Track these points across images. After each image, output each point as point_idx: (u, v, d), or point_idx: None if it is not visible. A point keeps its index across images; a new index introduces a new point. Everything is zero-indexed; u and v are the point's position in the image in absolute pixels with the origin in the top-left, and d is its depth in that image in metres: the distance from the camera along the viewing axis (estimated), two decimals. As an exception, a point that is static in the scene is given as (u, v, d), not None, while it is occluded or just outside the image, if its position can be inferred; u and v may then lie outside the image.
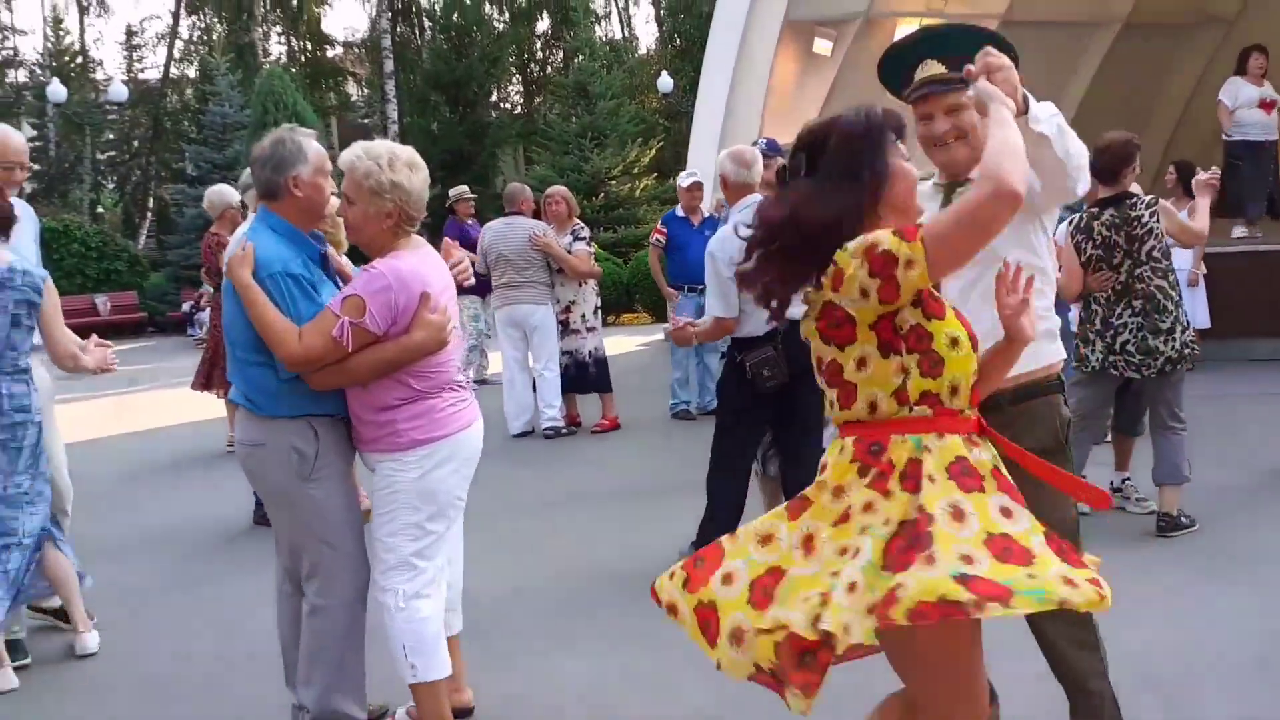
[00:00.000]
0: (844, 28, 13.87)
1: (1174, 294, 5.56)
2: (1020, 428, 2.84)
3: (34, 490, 4.30)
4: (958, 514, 2.25)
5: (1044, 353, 2.99)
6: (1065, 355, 3.13)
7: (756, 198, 5.02)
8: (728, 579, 2.39)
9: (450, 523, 3.57)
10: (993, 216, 2.30)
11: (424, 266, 3.42)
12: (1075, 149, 2.79)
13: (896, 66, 3.02)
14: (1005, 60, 2.60)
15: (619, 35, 40.48)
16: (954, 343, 2.41)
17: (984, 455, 2.43)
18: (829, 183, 2.44)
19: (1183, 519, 5.57)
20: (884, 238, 2.32)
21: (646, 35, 49.00)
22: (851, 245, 2.34)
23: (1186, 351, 5.49)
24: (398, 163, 3.37)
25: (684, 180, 9.50)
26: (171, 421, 10.67)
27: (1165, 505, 5.59)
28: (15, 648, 4.46)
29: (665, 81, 28.99)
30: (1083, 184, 2.89)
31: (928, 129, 2.97)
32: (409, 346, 3.31)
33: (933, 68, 2.91)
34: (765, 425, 5.21)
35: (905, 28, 14.04)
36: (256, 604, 4.90)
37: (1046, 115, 2.74)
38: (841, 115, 2.55)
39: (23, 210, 4.66)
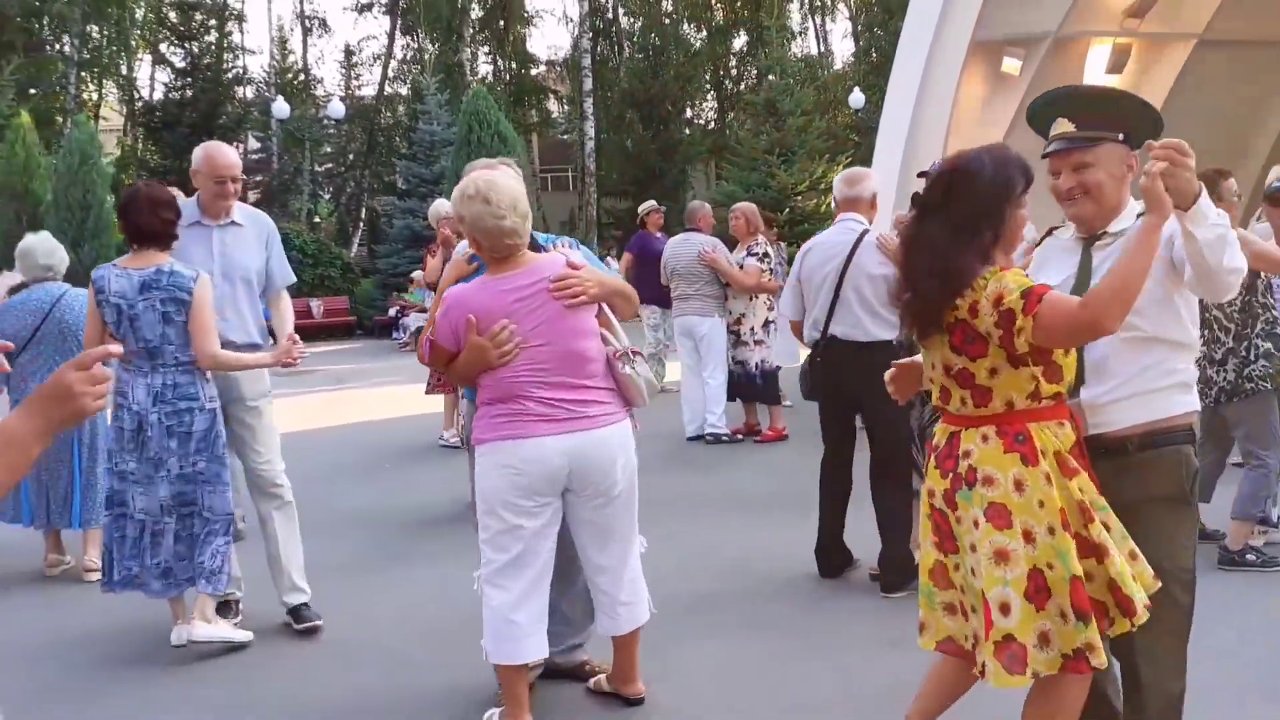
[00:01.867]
0: (1033, 47, 13.76)
1: (1235, 322, 5.39)
2: (1146, 475, 3.00)
3: (210, 471, 4.76)
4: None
5: (1175, 403, 3.04)
6: (1198, 408, 3.16)
7: (852, 216, 5.54)
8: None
9: (508, 525, 3.76)
10: (1083, 338, 2.84)
11: (482, 294, 3.77)
12: (1231, 262, 2.77)
13: (1038, 121, 3.18)
14: (1187, 158, 2.67)
15: (815, 51, 40.60)
16: (1065, 350, 2.89)
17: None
18: (964, 229, 2.90)
19: (1249, 556, 5.43)
20: (1012, 298, 2.81)
21: (843, 50, 48.91)
22: (989, 287, 2.84)
23: (1248, 385, 5.34)
24: (464, 196, 3.78)
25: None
26: (374, 417, 11.56)
27: (1231, 539, 5.49)
28: (227, 608, 5.12)
29: (857, 97, 29.05)
30: (1229, 293, 2.90)
31: (1055, 184, 3.12)
32: (461, 362, 3.80)
33: (1063, 126, 3.05)
34: (836, 436, 5.62)
35: (1098, 47, 13.89)
36: (441, 585, 5.47)
37: (1211, 221, 2.73)
38: (978, 159, 2.97)
39: (248, 217, 5.25)
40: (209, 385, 4.82)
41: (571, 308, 3.76)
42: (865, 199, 5.54)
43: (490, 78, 39.34)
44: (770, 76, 28.97)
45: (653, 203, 12.62)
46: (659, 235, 12.15)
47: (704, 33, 38.93)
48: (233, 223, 5.16)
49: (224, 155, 5.16)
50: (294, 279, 5.50)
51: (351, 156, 38.46)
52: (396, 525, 6.94)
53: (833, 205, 5.80)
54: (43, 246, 6.18)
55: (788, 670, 4.36)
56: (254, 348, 5.10)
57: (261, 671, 4.66)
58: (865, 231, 5.44)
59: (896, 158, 13.74)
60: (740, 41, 39.18)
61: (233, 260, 5.10)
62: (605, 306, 3.91)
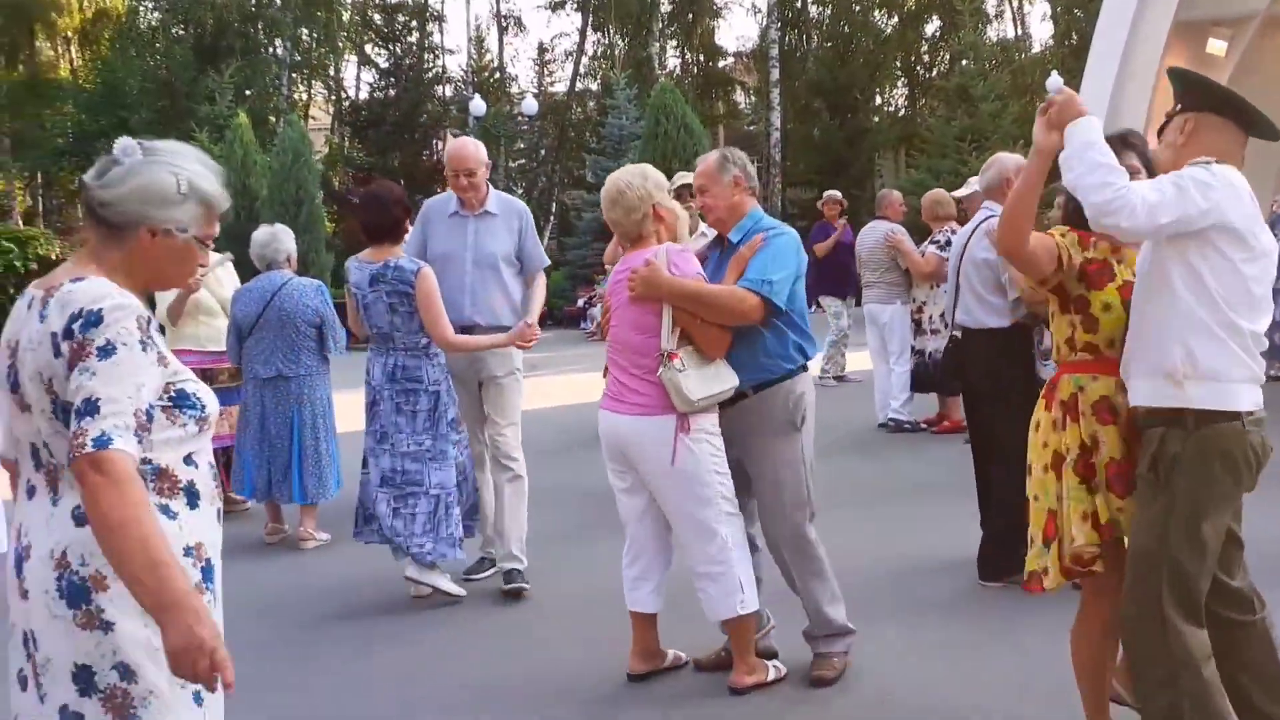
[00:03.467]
0: (1241, 27, 13.16)
1: None
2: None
3: (435, 449, 5.16)
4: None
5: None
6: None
7: (989, 204, 5.50)
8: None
9: (612, 485, 4.26)
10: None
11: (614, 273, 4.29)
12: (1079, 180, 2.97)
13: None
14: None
15: (1011, 35, 39.48)
16: (1106, 307, 3.24)
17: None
18: None
19: None
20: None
21: (1042, 33, 47.35)
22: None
23: None
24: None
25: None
26: (565, 402, 11.95)
27: None
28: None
29: (1054, 81, 28.06)
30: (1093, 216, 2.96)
31: None
32: None
33: None
34: (973, 427, 5.64)
35: (1313, 24, 13.18)
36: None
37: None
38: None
39: (502, 206, 5.61)
40: (436, 368, 5.22)
41: (632, 300, 4.02)
42: (997, 185, 5.47)
43: (678, 71, 39.72)
44: (963, 61, 28.41)
45: (832, 193, 12.65)
46: (839, 223, 12.18)
47: (894, 19, 38.36)
48: (486, 212, 5.59)
49: (460, 150, 5.60)
50: (546, 262, 5.77)
51: (543, 152, 39.46)
52: (594, 501, 7.17)
53: None
54: (265, 235, 6.67)
55: (970, 653, 4.41)
56: (502, 329, 5.44)
57: (463, 630, 4.98)
58: (986, 218, 5.39)
59: (1093, 143, 13.33)
60: (933, 26, 38.47)
61: (483, 247, 5.52)
62: (669, 309, 3.99)
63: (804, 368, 4.18)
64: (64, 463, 2.10)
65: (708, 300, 3.96)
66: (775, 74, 33.53)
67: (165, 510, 2.16)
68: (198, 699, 2.18)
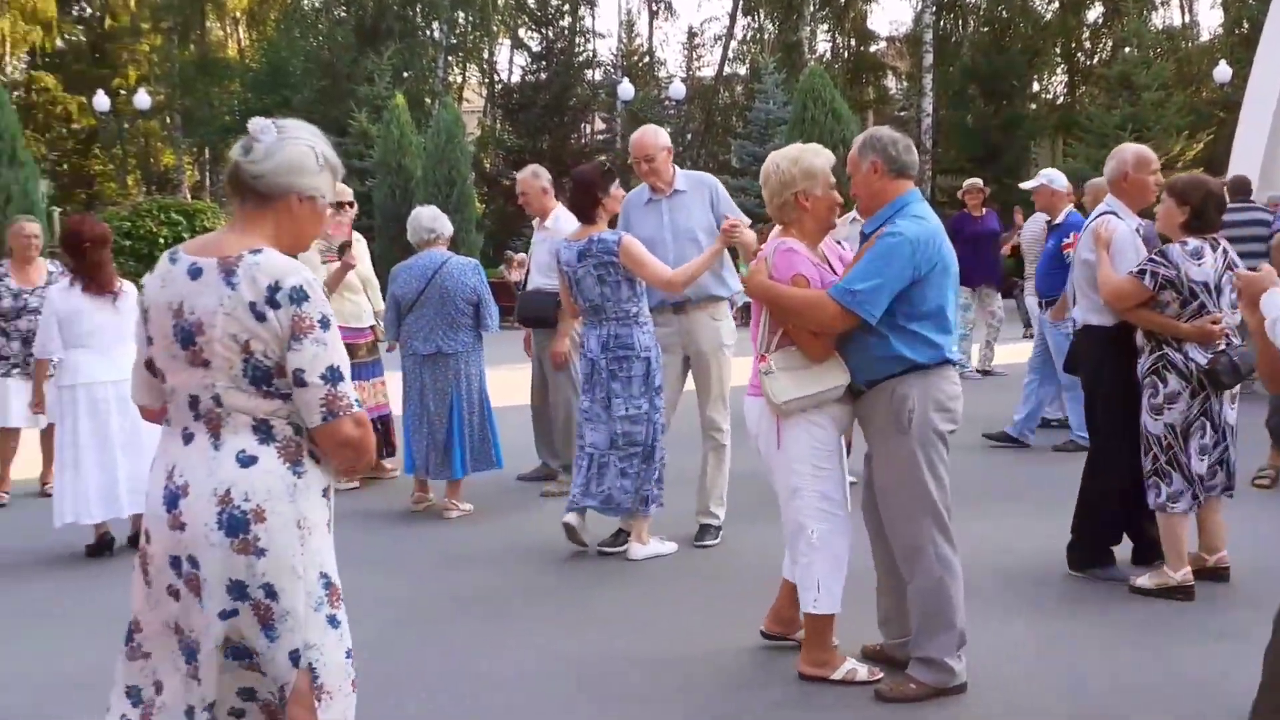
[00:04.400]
0: None
1: None
2: None
3: (650, 411, 5.61)
4: None
5: None
6: None
7: (1107, 200, 5.31)
8: None
9: None
10: None
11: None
12: None
13: None
14: None
15: (1178, 22, 37.94)
16: None
17: None
18: None
19: None
20: None
21: (1211, 20, 45.37)
22: None
23: None
24: None
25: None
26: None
27: None
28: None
29: (1222, 70, 26.96)
30: None
31: None
32: None
33: None
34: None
35: None
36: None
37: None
38: None
39: (691, 182, 5.95)
40: (645, 335, 5.62)
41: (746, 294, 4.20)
42: (1116, 178, 5.27)
43: (828, 55, 39.28)
44: (1126, 49, 27.44)
45: (973, 181, 12.39)
46: (984, 213, 11.95)
47: (1055, 4, 37.23)
48: (676, 191, 5.92)
49: (639, 138, 5.99)
50: (745, 222, 5.83)
51: (689, 136, 39.50)
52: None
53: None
54: (428, 214, 6.89)
55: (1105, 654, 4.34)
56: (714, 300, 5.88)
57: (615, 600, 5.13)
58: (1101, 215, 5.23)
59: (1262, 135, 12.83)
60: (1095, 12, 37.21)
61: (678, 225, 5.88)
62: (765, 309, 4.05)
63: (918, 368, 3.86)
64: (230, 413, 2.46)
65: (785, 305, 3.92)
66: (929, 59, 32.88)
67: (313, 455, 2.54)
68: (333, 622, 2.53)
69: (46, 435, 7.53)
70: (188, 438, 2.50)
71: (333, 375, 2.43)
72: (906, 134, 4.19)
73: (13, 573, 5.80)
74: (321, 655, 2.49)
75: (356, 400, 2.48)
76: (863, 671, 4.04)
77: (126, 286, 6.06)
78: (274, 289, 2.40)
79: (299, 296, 2.41)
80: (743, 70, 40.16)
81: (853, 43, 41.12)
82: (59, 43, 40.01)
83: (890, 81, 41.48)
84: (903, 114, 37.12)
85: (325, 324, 2.43)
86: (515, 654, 4.48)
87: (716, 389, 5.94)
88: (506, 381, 9.21)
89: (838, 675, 4.02)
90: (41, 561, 6.02)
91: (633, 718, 3.88)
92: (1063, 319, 7.66)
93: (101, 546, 6.03)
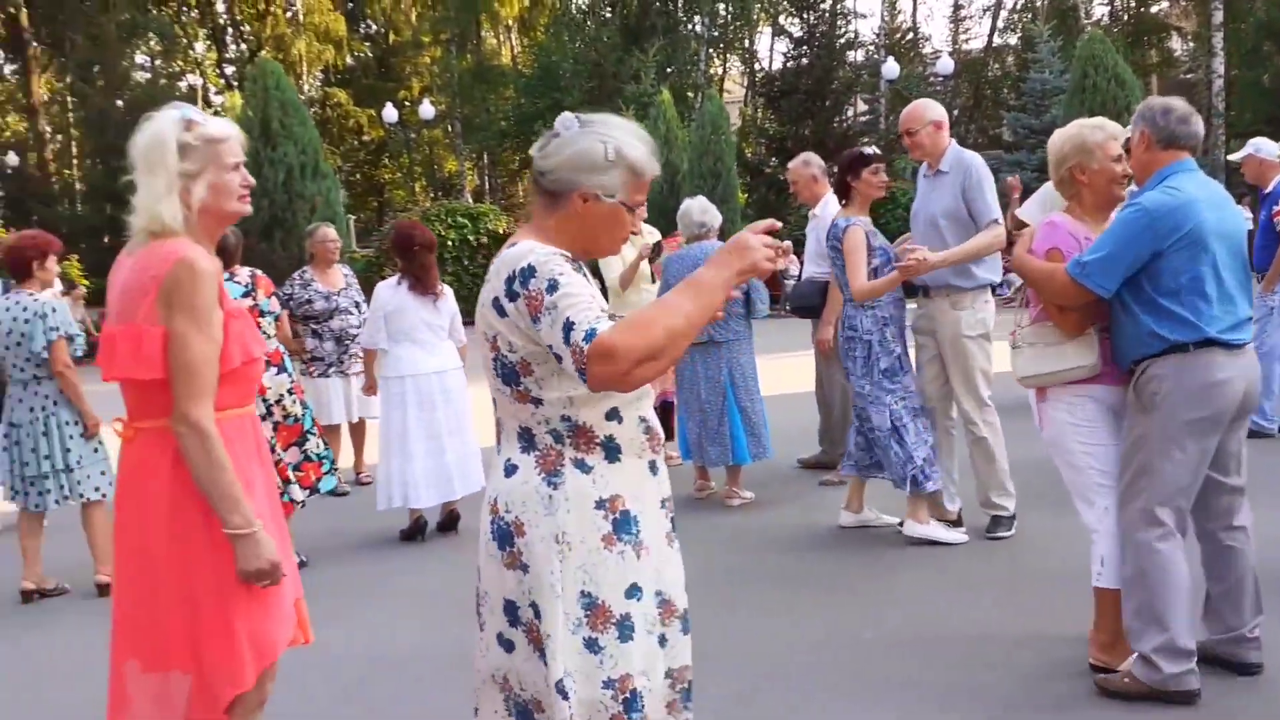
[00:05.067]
0: None
1: None
2: None
3: (872, 393, 5.64)
4: None
5: None
6: None
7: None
8: None
9: None
10: None
11: None
12: None
13: None
14: None
15: None
16: None
17: None
18: None
19: None
20: None
21: None
22: None
23: None
24: None
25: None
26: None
27: None
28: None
29: None
30: None
31: None
32: None
33: None
34: None
35: None
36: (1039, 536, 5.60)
37: None
38: None
39: (954, 163, 5.64)
40: (869, 319, 5.67)
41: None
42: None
43: (1105, 19, 37.25)
44: None
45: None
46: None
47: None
48: (939, 171, 5.75)
49: (905, 111, 5.88)
50: (993, 215, 5.56)
51: (956, 111, 38.35)
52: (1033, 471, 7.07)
53: None
54: (698, 206, 7.04)
55: None
56: (951, 289, 5.64)
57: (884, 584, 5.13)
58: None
59: None
60: None
61: (929, 206, 5.76)
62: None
63: (1177, 349, 3.64)
64: (503, 415, 2.42)
65: (1029, 278, 3.92)
66: (1218, 16, 30.60)
67: (580, 464, 2.35)
68: (591, 646, 2.34)
69: (356, 428, 8.13)
70: (496, 439, 2.51)
71: (566, 328, 2.15)
72: (1194, 97, 4.00)
73: (334, 555, 6.31)
74: (574, 683, 2.32)
75: (591, 331, 2.13)
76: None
77: (445, 288, 6.56)
78: (510, 280, 2.27)
79: (527, 276, 2.23)
80: (1013, 40, 38.62)
81: (1132, 3, 38.80)
82: (349, 60, 42.96)
83: (1175, 43, 38.91)
84: (1189, 76, 34.78)
85: (553, 286, 2.21)
86: (801, 636, 4.54)
87: (960, 379, 5.72)
88: (780, 368, 9.28)
89: (1123, 667, 3.87)
90: (359, 545, 6.53)
91: (908, 702, 3.88)
92: (1271, 290, 7.39)
93: (415, 531, 6.49)
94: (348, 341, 7.84)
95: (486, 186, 41.18)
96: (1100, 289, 3.69)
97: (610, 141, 2.33)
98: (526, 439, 2.38)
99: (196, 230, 2.68)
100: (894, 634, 4.53)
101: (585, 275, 2.38)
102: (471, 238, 23.52)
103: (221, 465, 2.56)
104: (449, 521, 6.54)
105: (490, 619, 2.43)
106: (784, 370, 9.48)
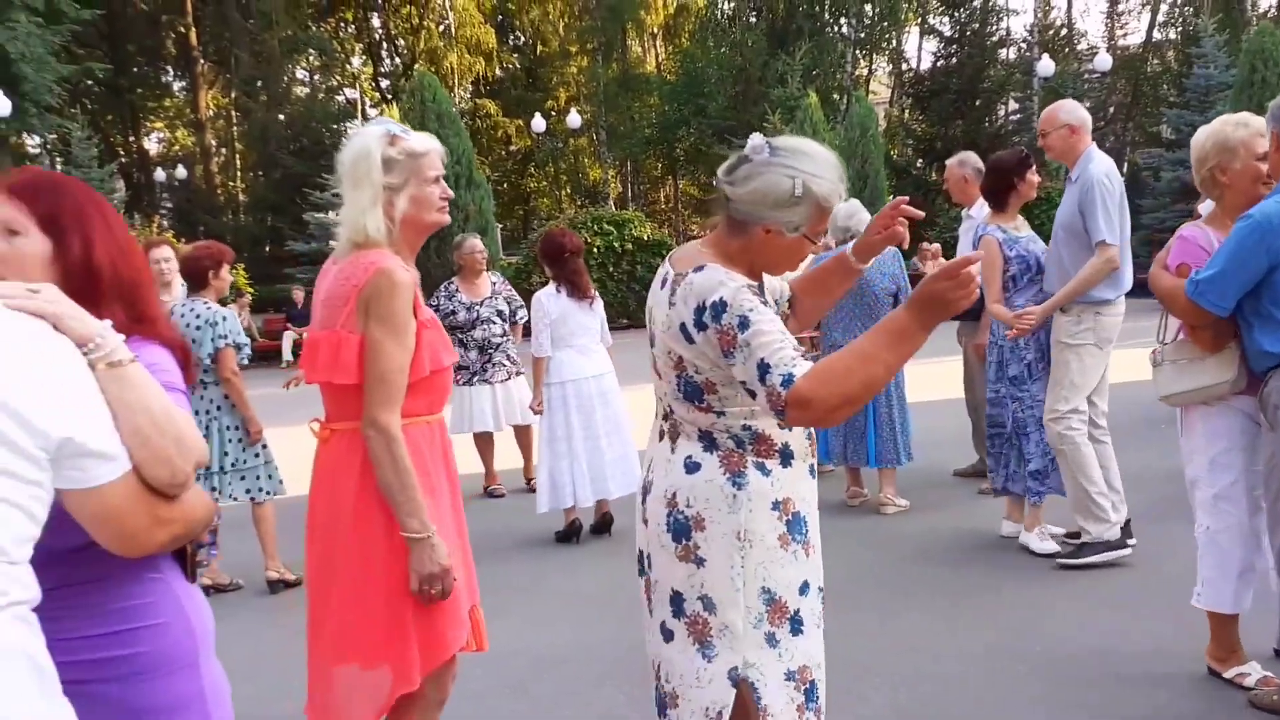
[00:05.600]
0: None
1: None
2: None
3: (1000, 398, 5.72)
4: None
5: None
6: None
7: None
8: None
9: None
10: None
11: None
12: None
13: None
14: None
15: None
16: None
17: None
18: None
19: None
20: None
21: None
22: None
23: None
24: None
25: None
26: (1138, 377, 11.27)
27: None
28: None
29: None
30: None
31: None
32: None
33: None
34: None
35: None
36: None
37: None
38: None
39: (1081, 170, 5.32)
40: (1000, 324, 5.64)
41: None
42: None
43: (1275, 11, 35.57)
44: None
45: None
46: None
47: None
48: (1069, 179, 5.47)
49: (1044, 113, 5.65)
50: (1100, 236, 5.22)
51: (1112, 109, 37.11)
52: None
53: None
54: (844, 210, 6.95)
55: None
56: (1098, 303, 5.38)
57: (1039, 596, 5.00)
58: None
59: None
60: None
61: (1059, 214, 5.49)
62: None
63: None
64: (681, 421, 2.46)
65: (1158, 294, 3.85)
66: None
67: (760, 467, 2.42)
68: (771, 640, 2.40)
69: (523, 433, 8.25)
70: (659, 434, 2.56)
71: (761, 370, 2.20)
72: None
73: (496, 555, 6.42)
74: (762, 675, 2.40)
75: (789, 377, 2.18)
76: (1253, 676, 3.83)
77: (595, 293, 6.67)
78: (700, 310, 2.31)
79: (718, 310, 2.27)
80: (1173, 35, 37.18)
81: (1306, -8, 36.97)
82: (498, 71, 43.86)
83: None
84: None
85: (745, 324, 2.25)
86: (957, 647, 4.48)
87: (1080, 384, 5.38)
88: (929, 374, 9.13)
89: (1228, 674, 3.86)
90: (517, 546, 6.65)
91: (1028, 715, 3.80)
92: None
93: (570, 532, 6.59)
94: (490, 350, 8.01)
95: (629, 193, 41.51)
96: (1216, 308, 3.56)
97: (798, 177, 2.32)
98: (708, 440, 2.43)
99: (398, 241, 2.78)
100: (1051, 651, 4.42)
101: (769, 303, 2.40)
102: (616, 244, 23.74)
103: (404, 470, 2.64)
104: (603, 524, 6.63)
105: (658, 608, 2.50)
106: (934, 375, 9.30)
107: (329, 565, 2.75)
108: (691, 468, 2.42)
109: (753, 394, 2.25)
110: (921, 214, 2.43)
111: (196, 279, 5.95)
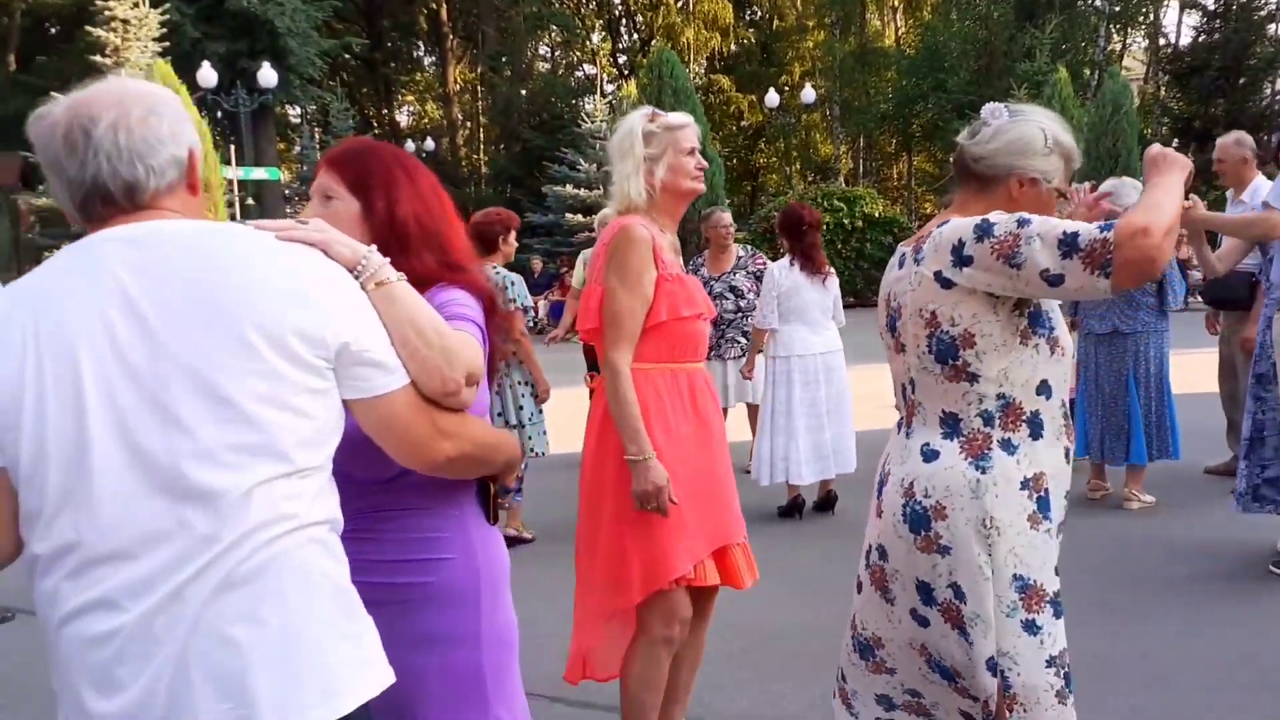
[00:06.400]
0: None
1: None
2: None
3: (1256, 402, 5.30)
4: None
5: None
6: None
7: None
8: None
9: None
10: None
11: None
12: None
13: None
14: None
15: None
16: None
17: None
18: None
19: None
20: None
21: None
22: None
23: None
24: None
25: None
26: None
27: None
28: None
29: None
30: None
31: None
32: None
33: None
34: None
35: None
36: None
37: None
38: None
39: None
40: (1264, 317, 5.24)
41: None
42: None
43: None
44: None
45: None
46: None
47: None
48: None
49: None
50: None
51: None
52: None
53: None
54: (1113, 185, 6.58)
55: None
56: None
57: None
58: None
59: None
60: None
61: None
62: None
63: None
64: (923, 399, 2.41)
65: None
66: None
67: (1006, 445, 2.33)
68: (1029, 628, 2.32)
69: (756, 411, 8.20)
70: (898, 425, 2.54)
71: (1069, 239, 2.13)
72: None
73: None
74: (1014, 665, 2.32)
75: (1101, 226, 2.13)
76: None
77: (830, 269, 6.63)
78: (958, 247, 2.26)
79: (984, 229, 2.23)
80: None
81: None
82: (733, 46, 43.85)
83: None
84: None
85: (1024, 221, 2.20)
86: (1200, 655, 4.24)
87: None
88: (1191, 365, 8.64)
89: None
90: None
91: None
92: None
93: (793, 508, 6.57)
94: (723, 326, 7.99)
95: (861, 169, 40.83)
96: None
97: (1048, 129, 2.40)
98: (950, 424, 2.37)
99: (659, 207, 3.11)
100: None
101: None
102: (846, 221, 23.44)
103: (626, 400, 2.95)
104: (827, 502, 6.58)
105: (902, 595, 2.45)
106: (1193, 367, 8.79)
107: (596, 512, 3.09)
108: (929, 455, 2.37)
109: (1059, 278, 2.15)
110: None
111: (487, 244, 6.09)
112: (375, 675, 1.63)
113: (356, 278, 1.69)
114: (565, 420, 6.99)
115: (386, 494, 1.98)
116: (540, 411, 6.35)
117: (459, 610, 2.04)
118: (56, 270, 1.60)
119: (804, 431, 6.41)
